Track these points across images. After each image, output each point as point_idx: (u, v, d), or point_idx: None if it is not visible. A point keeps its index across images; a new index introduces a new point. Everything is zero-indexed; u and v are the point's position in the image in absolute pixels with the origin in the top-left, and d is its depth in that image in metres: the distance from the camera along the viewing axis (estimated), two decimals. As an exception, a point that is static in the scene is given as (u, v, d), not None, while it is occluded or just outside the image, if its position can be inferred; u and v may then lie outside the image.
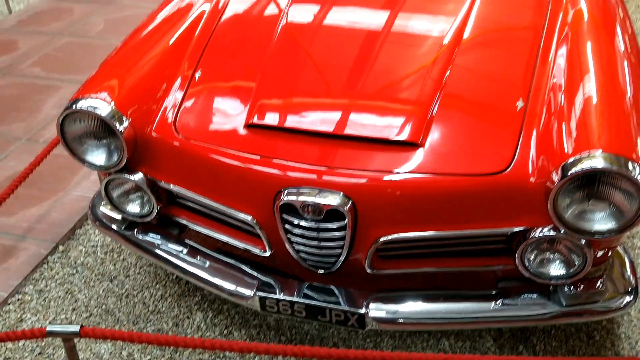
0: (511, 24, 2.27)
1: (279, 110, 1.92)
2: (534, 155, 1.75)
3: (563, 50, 2.06)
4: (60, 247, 2.79)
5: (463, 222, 1.77)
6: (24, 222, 2.91)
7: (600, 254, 1.85)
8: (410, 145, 1.79)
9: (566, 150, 1.66)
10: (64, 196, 3.06)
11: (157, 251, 2.16)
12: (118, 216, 2.20)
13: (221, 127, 1.97)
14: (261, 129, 1.90)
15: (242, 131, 1.92)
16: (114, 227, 2.22)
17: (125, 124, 1.93)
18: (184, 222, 2.13)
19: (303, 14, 2.33)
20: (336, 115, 1.88)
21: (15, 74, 4.23)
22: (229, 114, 2.00)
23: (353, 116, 1.87)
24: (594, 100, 1.79)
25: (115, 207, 2.14)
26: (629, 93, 1.85)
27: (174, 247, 2.16)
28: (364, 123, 1.85)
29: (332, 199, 1.73)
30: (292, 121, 1.88)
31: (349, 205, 1.74)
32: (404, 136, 1.79)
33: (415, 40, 2.18)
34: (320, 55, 2.14)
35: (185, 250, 2.15)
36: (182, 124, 2.00)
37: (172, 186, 2.01)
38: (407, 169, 1.76)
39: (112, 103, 1.94)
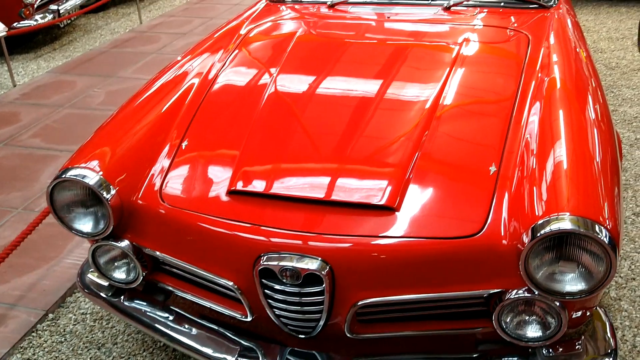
0: (486, 91, 2.38)
1: (259, 177, 1.99)
2: (506, 218, 1.80)
3: (535, 117, 2.14)
4: (50, 315, 2.81)
5: (439, 285, 1.80)
6: (16, 291, 2.94)
7: (577, 315, 1.86)
8: (387, 209, 1.84)
9: (536, 213, 1.71)
10: (56, 264, 3.10)
11: (143, 318, 2.19)
12: (105, 283, 2.24)
13: (205, 195, 2.03)
14: (243, 195, 1.96)
15: (224, 198, 1.98)
16: (101, 294, 2.25)
17: (112, 192, 2.00)
18: (169, 288, 2.16)
19: (287, 86, 2.44)
20: (313, 181, 1.95)
21: (15, 144, 4.35)
22: (213, 181, 2.06)
23: (329, 181, 1.93)
24: (564, 165, 1.86)
25: (102, 273, 2.17)
26: (597, 159, 1.92)
27: (159, 314, 2.18)
28: (340, 188, 1.90)
29: (310, 264, 1.77)
30: (270, 187, 1.94)
31: (326, 269, 1.77)
32: (379, 201, 1.85)
33: (393, 107, 2.27)
34: (299, 124, 2.22)
35: (170, 317, 2.17)
36: (167, 192, 2.06)
37: (157, 253, 2.05)
38: (383, 233, 1.80)
39: (100, 172, 2.01)
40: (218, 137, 2.25)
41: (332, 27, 2.96)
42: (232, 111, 2.37)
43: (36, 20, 5.99)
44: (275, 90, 2.40)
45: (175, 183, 2.09)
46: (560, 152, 1.92)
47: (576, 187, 1.77)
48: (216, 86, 2.53)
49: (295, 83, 2.46)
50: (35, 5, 6.03)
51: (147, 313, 2.19)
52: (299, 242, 1.80)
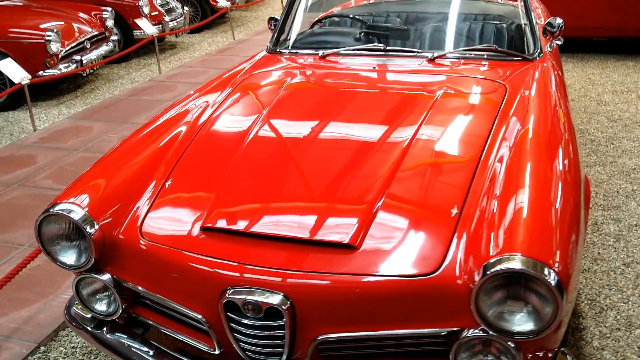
0: (457, 136, 2.48)
1: (231, 215, 2.10)
2: (462, 258, 1.86)
3: (503, 163, 2.22)
4: (42, 348, 2.90)
5: (398, 322, 1.86)
6: (12, 323, 3.05)
7: (537, 355, 1.89)
8: (348, 248, 1.92)
9: (490, 253, 1.78)
10: (53, 299, 3.21)
11: (124, 351, 2.27)
12: (88, 315, 2.34)
13: (180, 231, 2.13)
14: (215, 232, 2.06)
15: (197, 234, 2.08)
16: (85, 325, 2.35)
17: (96, 227, 2.12)
18: (147, 321, 2.24)
19: (268, 130, 2.57)
20: (279, 219, 2.05)
21: (29, 185, 4.55)
22: (190, 218, 2.17)
23: (294, 220, 2.03)
24: (524, 211, 1.92)
25: (85, 305, 2.28)
26: (557, 207, 1.97)
27: (139, 347, 2.26)
28: (304, 226, 2.00)
29: (271, 298, 1.85)
30: (240, 224, 2.04)
31: (287, 305, 1.85)
32: (342, 239, 1.93)
33: (365, 148, 2.38)
34: (273, 166, 2.34)
35: (151, 352, 2.25)
36: (147, 228, 2.17)
37: (135, 286, 2.15)
38: (343, 270, 1.88)
39: (86, 208, 2.14)
40: (200, 178, 2.37)
41: (320, 76, 3.11)
42: (216, 153, 2.50)
43: (60, 69, 6.29)
44: (255, 135, 2.54)
45: (155, 220, 2.21)
46: (522, 198, 1.98)
47: (531, 231, 1.83)
48: (205, 129, 2.67)
49: (276, 127, 2.59)
50: (60, 56, 6.34)
51: (128, 346, 2.27)
52: (263, 277, 1.89)
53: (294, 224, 2.01)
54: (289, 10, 3.72)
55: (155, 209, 2.25)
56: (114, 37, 7.40)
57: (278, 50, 3.60)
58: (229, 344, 2.00)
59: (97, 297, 2.27)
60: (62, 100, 6.73)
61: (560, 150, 2.36)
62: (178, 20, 8.77)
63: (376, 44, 3.32)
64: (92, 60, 6.82)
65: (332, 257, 1.91)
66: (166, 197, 2.30)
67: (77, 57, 6.53)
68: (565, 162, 2.29)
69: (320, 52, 3.33)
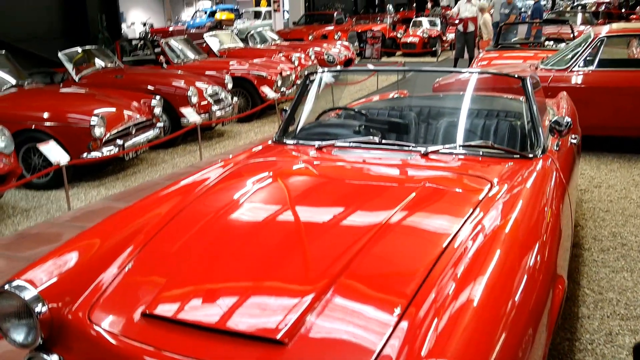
0: (428, 224, 2.45)
1: (172, 303, 2.08)
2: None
3: (471, 249, 2.15)
4: None
5: None
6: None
7: None
8: (278, 343, 1.84)
9: (422, 353, 1.67)
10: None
11: None
12: (38, 396, 2.31)
13: (125, 317, 2.11)
14: (155, 319, 2.03)
15: (139, 321, 2.05)
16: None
17: (44, 308, 2.14)
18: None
19: (233, 218, 2.57)
20: (217, 310, 2.00)
21: (47, 262, 4.67)
22: (138, 304, 2.14)
23: (232, 311, 1.98)
24: (474, 301, 1.84)
25: (33, 386, 2.25)
26: (515, 302, 1.88)
27: None
28: (240, 319, 1.94)
29: (191, 392, 1.78)
30: (177, 313, 2.01)
31: (209, 398, 1.77)
32: (273, 335, 1.85)
33: (328, 238, 2.36)
34: (229, 253, 2.32)
35: None
36: (96, 312, 2.16)
37: (80, 370, 2.12)
38: (269, 367, 1.79)
39: (40, 288, 2.17)
40: (161, 262, 2.37)
41: (308, 166, 3.12)
42: (182, 239, 2.49)
43: (102, 152, 6.60)
44: (223, 221, 2.54)
45: (106, 303, 2.20)
46: (478, 288, 1.91)
47: (472, 331, 1.74)
48: (182, 213, 2.69)
49: (244, 214, 2.60)
50: (104, 140, 6.68)
51: None
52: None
53: (230, 316, 1.96)
54: (296, 103, 3.81)
55: (110, 292, 2.25)
56: (160, 124, 7.75)
57: (283, 140, 3.66)
58: None
59: (46, 378, 2.24)
60: (103, 181, 7.02)
61: (536, 248, 2.26)
62: (226, 109, 9.13)
63: (371, 137, 3.32)
64: (137, 144, 7.13)
65: (261, 353, 1.83)
66: (123, 281, 2.30)
67: (120, 142, 6.84)
68: (538, 258, 2.19)
69: (317, 144, 3.36)
